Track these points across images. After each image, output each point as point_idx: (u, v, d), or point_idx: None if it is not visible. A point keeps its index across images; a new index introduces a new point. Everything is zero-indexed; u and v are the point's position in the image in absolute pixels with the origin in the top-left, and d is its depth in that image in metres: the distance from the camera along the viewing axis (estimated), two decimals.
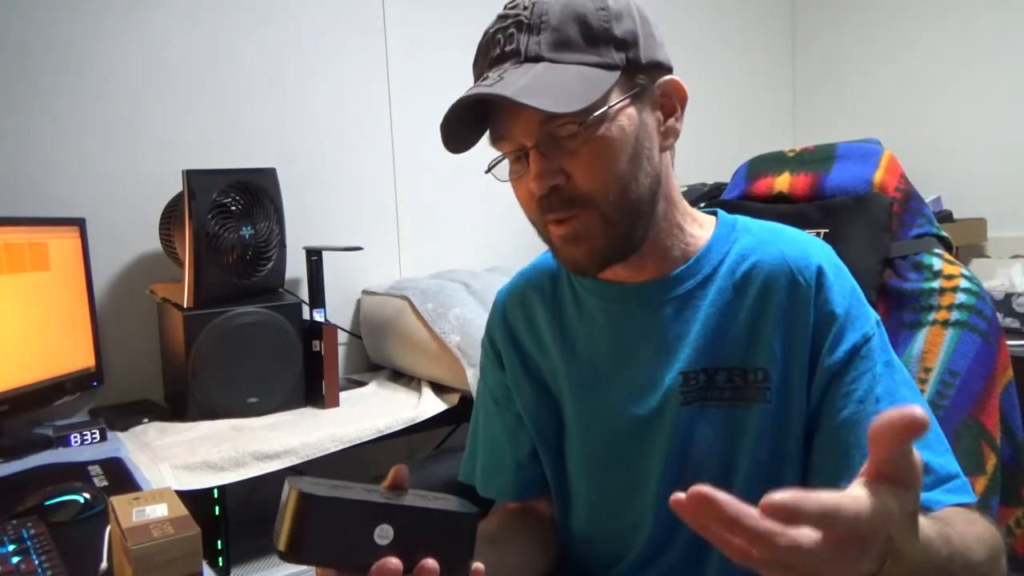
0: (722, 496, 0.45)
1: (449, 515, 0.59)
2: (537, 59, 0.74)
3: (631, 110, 0.77)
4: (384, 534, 0.56)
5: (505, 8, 0.78)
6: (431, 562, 0.56)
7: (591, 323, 0.90)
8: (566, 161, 0.75)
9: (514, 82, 0.71)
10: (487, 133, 0.80)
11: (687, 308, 0.83)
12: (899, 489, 0.49)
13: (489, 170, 0.83)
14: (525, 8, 0.76)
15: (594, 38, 0.75)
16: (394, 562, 0.55)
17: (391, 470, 0.61)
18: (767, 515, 0.45)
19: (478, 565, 0.60)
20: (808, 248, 0.83)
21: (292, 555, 0.53)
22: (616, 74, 0.75)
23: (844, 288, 0.80)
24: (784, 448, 0.80)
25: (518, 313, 0.97)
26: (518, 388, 0.95)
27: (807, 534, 0.46)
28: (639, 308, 0.86)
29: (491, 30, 0.78)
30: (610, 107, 0.74)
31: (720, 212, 0.90)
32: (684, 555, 0.84)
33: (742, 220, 0.88)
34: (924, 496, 0.70)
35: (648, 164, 0.78)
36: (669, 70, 0.81)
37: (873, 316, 0.81)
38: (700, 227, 0.87)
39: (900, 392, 0.77)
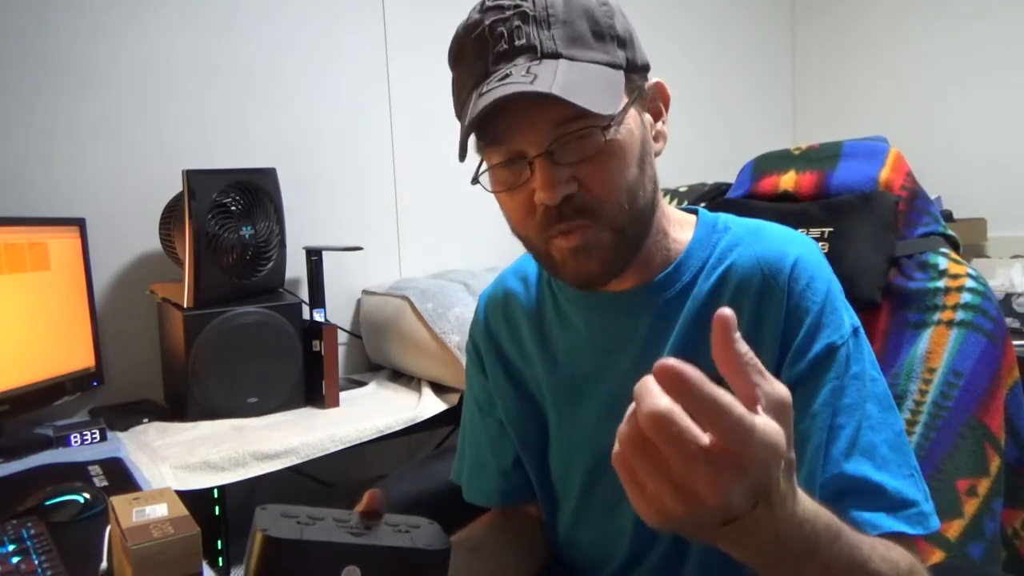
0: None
1: (417, 553, 0.57)
2: (555, 55, 0.69)
3: (634, 112, 0.73)
4: (351, 575, 0.55)
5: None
6: None
7: (572, 332, 0.87)
8: (575, 168, 0.70)
9: (550, 79, 0.66)
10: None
11: (666, 317, 0.80)
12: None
13: (476, 180, 0.76)
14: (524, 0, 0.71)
15: (601, 34, 0.71)
16: None
17: (365, 495, 0.60)
18: (656, 376, 0.44)
19: None
20: (784, 247, 0.78)
21: None
22: (622, 74, 0.72)
23: (818, 291, 0.75)
24: None
25: (500, 319, 0.94)
26: (501, 395, 0.93)
27: (693, 427, 0.43)
28: (619, 317, 0.83)
29: (485, 21, 0.72)
30: (623, 109, 0.71)
31: (700, 211, 0.86)
32: (664, 560, 0.84)
33: (723, 219, 0.84)
34: (865, 516, 0.68)
35: (650, 168, 0.76)
36: (649, 72, 0.79)
37: (848, 323, 0.76)
38: (681, 229, 0.84)
39: (866, 407, 0.72)
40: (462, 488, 0.99)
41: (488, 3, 0.72)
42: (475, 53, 0.72)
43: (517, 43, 0.70)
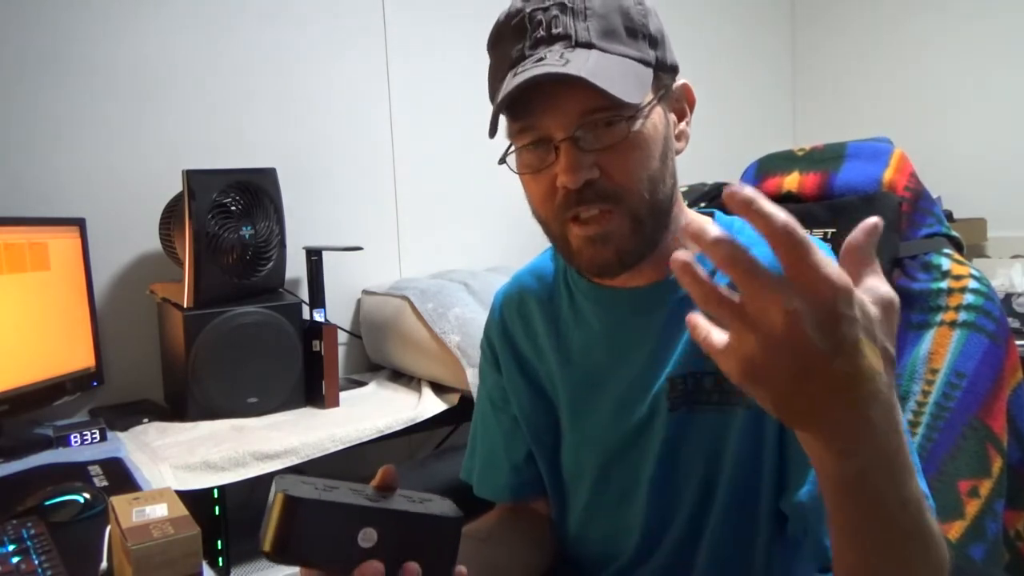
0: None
1: (433, 519, 0.59)
2: (589, 45, 0.72)
3: (659, 109, 0.76)
4: (368, 537, 0.56)
5: None
6: (413, 566, 0.57)
7: (586, 328, 0.89)
8: (599, 155, 0.73)
9: (582, 65, 0.69)
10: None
11: (680, 314, 0.81)
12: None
13: (503, 160, 0.79)
14: None
15: (634, 31, 0.74)
16: (376, 566, 0.55)
17: (380, 470, 0.61)
18: (727, 202, 0.46)
19: (461, 568, 0.60)
20: None
21: (276, 556, 0.54)
22: (651, 71, 0.75)
23: None
24: (761, 453, 0.78)
25: (515, 316, 0.96)
26: (514, 391, 0.95)
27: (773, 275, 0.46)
28: (633, 314, 0.84)
29: (526, 9, 0.75)
30: (649, 104, 0.74)
31: (717, 212, 0.88)
32: (673, 557, 0.84)
33: (738, 220, 0.85)
34: None
35: (672, 165, 0.78)
36: (677, 74, 0.81)
37: None
38: None
39: None
40: (472, 484, 1.00)
41: None
42: (514, 38, 0.76)
43: (554, 31, 0.73)
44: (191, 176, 1.64)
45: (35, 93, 1.76)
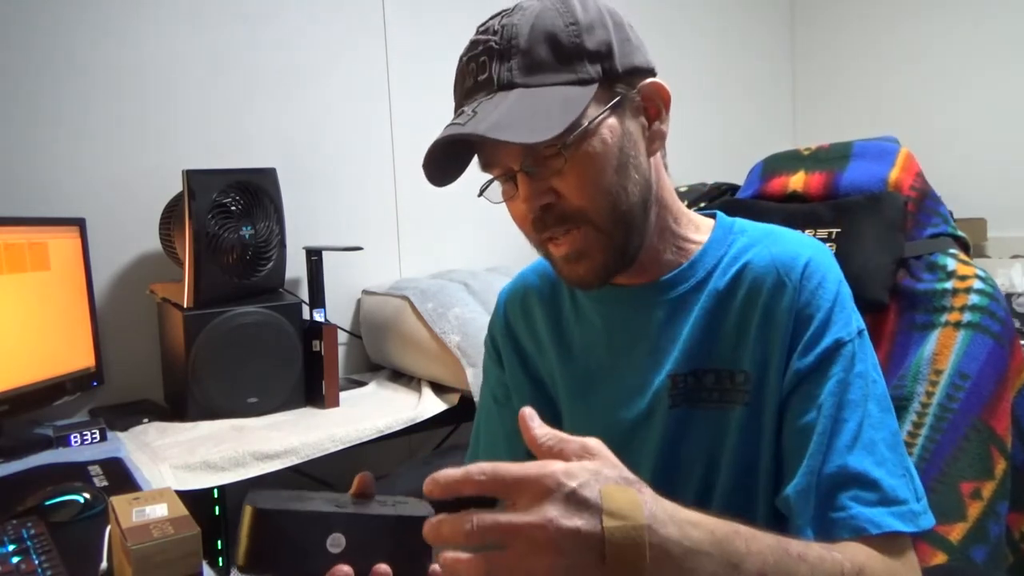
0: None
1: (402, 520, 0.59)
2: (510, 86, 0.74)
3: (612, 120, 0.76)
4: (336, 543, 0.57)
5: (477, 33, 0.78)
6: (383, 568, 0.57)
7: (587, 325, 0.90)
8: (554, 180, 0.76)
9: (486, 117, 0.72)
10: (475, 158, 0.81)
11: (680, 311, 0.83)
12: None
13: (481, 194, 0.83)
14: (495, 33, 0.76)
15: (566, 55, 0.74)
16: (344, 570, 0.56)
17: (356, 477, 0.62)
18: (431, 494, 0.54)
19: (435, 567, 0.60)
20: (798, 248, 0.81)
21: (249, 567, 0.56)
22: (593, 88, 0.74)
23: (828, 291, 0.79)
24: (758, 451, 0.79)
25: (518, 313, 0.97)
26: (516, 387, 0.96)
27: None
28: (633, 311, 0.86)
29: (464, 57, 0.78)
30: (590, 122, 0.74)
31: (719, 214, 0.89)
32: None
33: (740, 222, 0.88)
34: (867, 512, 0.70)
35: (636, 172, 0.78)
36: (649, 72, 0.80)
37: (856, 324, 0.79)
38: (696, 229, 0.87)
39: (868, 406, 0.75)
40: None
41: (475, 35, 0.78)
42: (457, 86, 0.80)
43: (480, 78, 0.76)
44: (191, 176, 1.64)
45: (35, 93, 1.76)
